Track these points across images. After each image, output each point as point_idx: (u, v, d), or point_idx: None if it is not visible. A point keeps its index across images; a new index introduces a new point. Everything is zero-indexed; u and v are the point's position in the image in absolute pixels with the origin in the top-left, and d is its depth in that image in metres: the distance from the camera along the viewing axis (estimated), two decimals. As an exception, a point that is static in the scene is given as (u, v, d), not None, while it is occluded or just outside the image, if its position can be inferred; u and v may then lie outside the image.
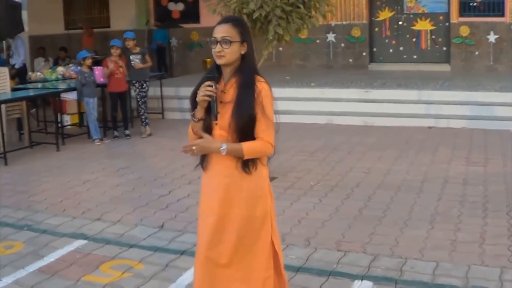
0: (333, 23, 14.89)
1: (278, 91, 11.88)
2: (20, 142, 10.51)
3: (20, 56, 13.11)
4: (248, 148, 3.25)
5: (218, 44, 3.27)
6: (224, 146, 3.23)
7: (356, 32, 14.73)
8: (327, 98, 11.39)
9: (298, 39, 15.25)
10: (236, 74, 3.33)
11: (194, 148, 3.25)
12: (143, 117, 10.81)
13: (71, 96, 11.31)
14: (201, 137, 3.31)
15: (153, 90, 12.61)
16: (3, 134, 9.05)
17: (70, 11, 18.73)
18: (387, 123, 10.43)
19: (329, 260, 4.95)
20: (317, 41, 15.19)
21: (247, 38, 3.35)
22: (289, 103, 11.57)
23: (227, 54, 3.27)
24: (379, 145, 9.09)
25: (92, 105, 10.24)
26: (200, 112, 3.32)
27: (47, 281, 4.83)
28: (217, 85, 3.30)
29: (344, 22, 14.84)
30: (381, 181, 7.15)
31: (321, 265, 4.86)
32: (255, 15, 6.62)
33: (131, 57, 10.64)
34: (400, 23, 14.64)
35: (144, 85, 10.76)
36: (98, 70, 10.58)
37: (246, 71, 3.33)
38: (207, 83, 3.26)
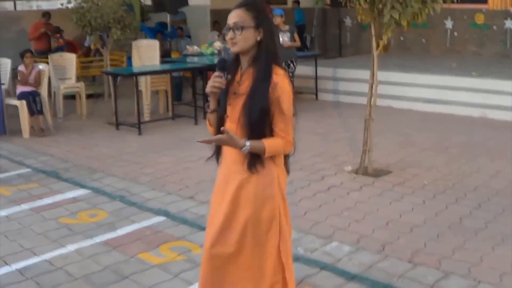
0: (512, 8, 13.55)
1: (436, 79, 11.23)
2: (167, 113, 10.82)
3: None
4: (269, 146, 3.00)
5: (231, 30, 3.01)
6: (247, 145, 2.95)
7: (537, 19, 13.26)
8: (486, 90, 10.35)
9: (474, 24, 14.14)
10: (253, 64, 3.05)
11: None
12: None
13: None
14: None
15: (309, 70, 12.43)
16: (138, 106, 9.36)
17: (259, -15, 18.91)
18: (548, 122, 9.24)
19: (393, 271, 4.43)
20: (494, 27, 13.88)
21: (264, 22, 3.03)
22: (444, 92, 10.79)
23: (239, 41, 3.01)
24: (527, 146, 8.06)
25: (234, 81, 10.22)
26: (213, 103, 3.11)
27: (105, 253, 4.89)
28: (228, 76, 3.06)
29: (525, 8, 13.42)
30: (504, 187, 6.30)
31: (380, 276, 4.36)
32: (369, -2, 6.10)
33: (279, 34, 10.45)
34: None
35: (291, 65, 10.56)
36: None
37: (263, 60, 3.02)
38: (216, 73, 3.03)
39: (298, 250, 4.82)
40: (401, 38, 15.26)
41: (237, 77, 3.09)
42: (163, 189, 6.52)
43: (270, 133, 3.02)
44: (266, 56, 3.02)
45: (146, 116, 10.11)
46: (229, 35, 3.02)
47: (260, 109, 2.95)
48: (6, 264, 4.70)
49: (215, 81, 3.00)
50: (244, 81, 3.05)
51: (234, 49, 3.05)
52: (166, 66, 10.60)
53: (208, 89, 3.02)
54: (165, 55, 13.09)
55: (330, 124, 9.74)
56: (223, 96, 3.04)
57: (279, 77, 2.98)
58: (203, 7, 20.70)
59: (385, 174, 6.86)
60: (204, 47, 12.39)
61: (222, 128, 2.95)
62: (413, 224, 5.35)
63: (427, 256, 4.68)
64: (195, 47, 12.46)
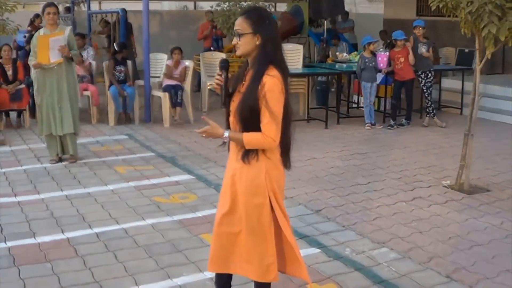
0: None
1: None
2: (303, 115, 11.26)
3: None
4: (248, 138, 3.38)
5: (235, 36, 3.48)
6: (226, 134, 3.43)
7: None
8: None
9: None
10: (253, 66, 3.47)
11: (203, 135, 3.48)
12: (428, 108, 10.71)
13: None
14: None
15: (457, 84, 12.33)
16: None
17: (423, -3, 18.74)
18: None
19: (425, 283, 4.49)
20: None
21: (261, 29, 3.41)
22: None
23: (240, 46, 3.44)
24: None
25: (369, 89, 10.44)
26: (222, 99, 3.57)
27: (174, 230, 5.49)
28: (227, 74, 3.50)
29: None
30: None
31: (409, 285, 4.47)
32: (466, 10, 6.08)
33: (418, 45, 10.53)
34: None
35: (429, 75, 10.61)
36: (380, 56, 10.71)
37: (258, 63, 3.41)
38: (218, 72, 3.51)
39: (345, 251, 5.06)
40: None
41: (245, 77, 3.50)
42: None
43: None
44: (262, 58, 3.39)
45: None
46: (233, 40, 3.49)
47: (249, 106, 3.33)
48: (90, 227, 5.50)
49: (215, 78, 3.48)
50: (246, 81, 3.45)
51: (237, 53, 3.49)
52: (304, 70, 11.03)
53: (212, 85, 3.52)
54: (322, 60, 13.66)
55: (460, 140, 9.54)
56: (221, 93, 3.49)
57: (268, 78, 3.32)
58: (377, 15, 20.85)
59: (481, 192, 6.76)
60: (354, 55, 12.68)
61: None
62: (475, 243, 5.30)
63: (469, 274, 4.65)
64: (344, 54, 12.80)
